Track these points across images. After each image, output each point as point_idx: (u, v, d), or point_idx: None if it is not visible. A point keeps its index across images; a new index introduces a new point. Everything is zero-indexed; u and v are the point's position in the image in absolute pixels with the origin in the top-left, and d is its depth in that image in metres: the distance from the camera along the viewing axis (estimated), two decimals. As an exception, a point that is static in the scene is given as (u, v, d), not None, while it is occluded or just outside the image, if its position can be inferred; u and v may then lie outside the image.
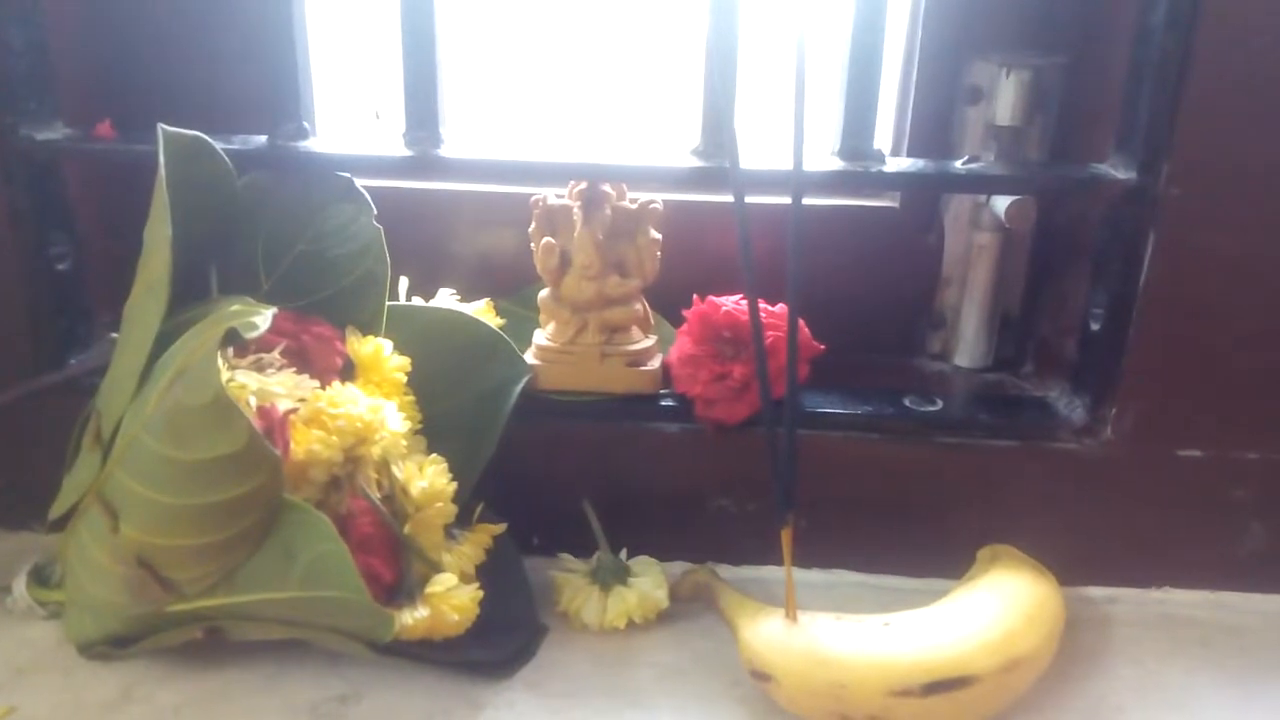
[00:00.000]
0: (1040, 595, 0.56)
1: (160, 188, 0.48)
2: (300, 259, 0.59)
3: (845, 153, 0.58)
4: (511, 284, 0.70)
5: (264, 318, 0.44)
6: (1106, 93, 0.62)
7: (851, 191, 0.70)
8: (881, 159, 0.58)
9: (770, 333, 0.60)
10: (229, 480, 0.44)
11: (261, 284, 0.59)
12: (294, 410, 0.49)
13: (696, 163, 0.57)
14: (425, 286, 0.65)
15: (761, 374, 0.52)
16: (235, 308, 0.46)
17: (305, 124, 0.59)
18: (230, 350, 0.50)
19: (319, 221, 0.59)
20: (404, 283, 0.64)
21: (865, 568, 0.65)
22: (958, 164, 0.59)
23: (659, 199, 0.61)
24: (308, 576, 0.48)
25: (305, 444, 0.49)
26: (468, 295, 0.65)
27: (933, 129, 0.67)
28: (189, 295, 0.51)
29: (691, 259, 0.67)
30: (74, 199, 0.64)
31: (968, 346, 0.70)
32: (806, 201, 0.69)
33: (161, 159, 0.49)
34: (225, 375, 0.48)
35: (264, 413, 0.48)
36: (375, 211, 0.60)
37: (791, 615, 0.54)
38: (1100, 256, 0.61)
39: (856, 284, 0.70)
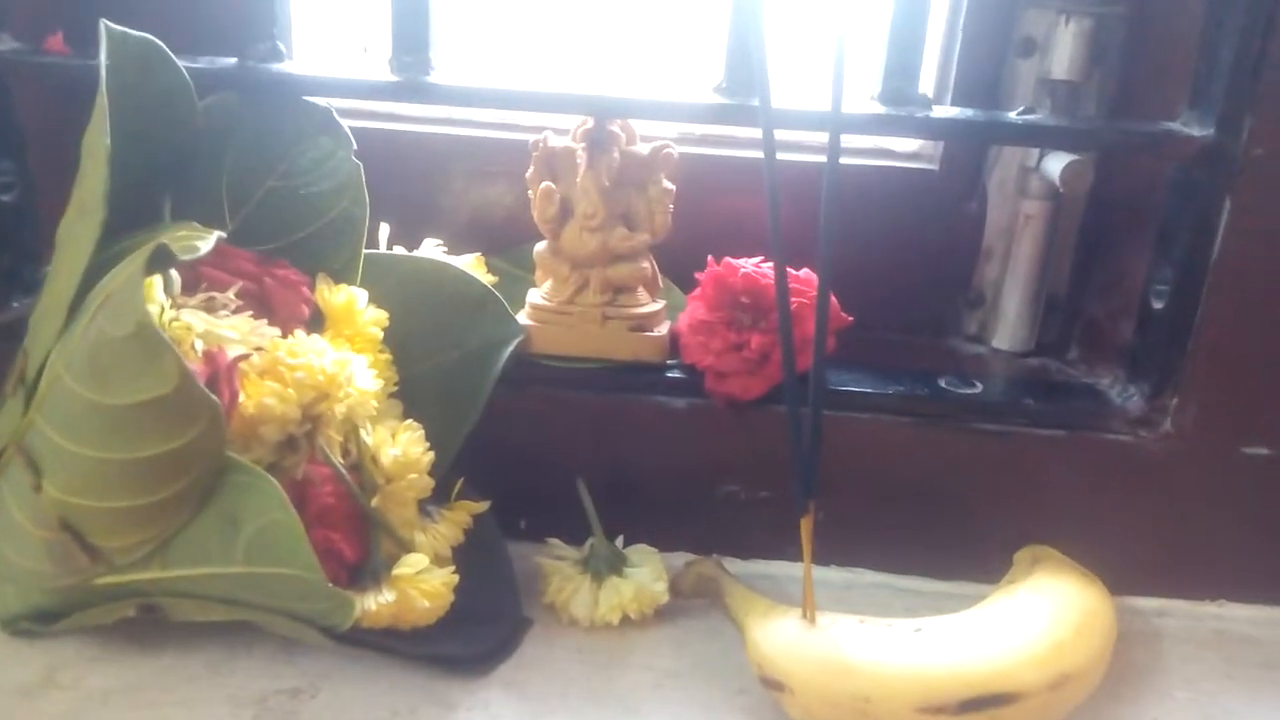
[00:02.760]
0: (1090, 604, 0.49)
1: (101, 93, 0.41)
2: (270, 196, 0.53)
3: (887, 96, 0.51)
4: (505, 241, 0.63)
5: (207, 240, 0.37)
6: (1175, 43, 0.55)
7: (884, 154, 0.64)
8: (927, 104, 0.51)
9: (795, 299, 0.53)
10: (159, 431, 0.38)
11: (225, 223, 0.53)
12: (244, 357, 0.42)
13: (719, 99, 0.51)
14: (409, 238, 0.59)
15: (786, 343, 0.46)
16: (180, 232, 0.40)
17: (280, 44, 0.53)
18: (176, 287, 0.44)
19: (292, 155, 0.54)
20: (385, 230, 0.57)
21: (888, 566, 0.58)
22: (1012, 114, 0.53)
23: (674, 146, 0.55)
24: (253, 549, 0.41)
25: (257, 397, 0.43)
26: (456, 249, 0.59)
27: (980, 83, 0.61)
28: (134, 221, 0.45)
29: (704, 218, 0.61)
30: (23, 124, 0.58)
31: (1008, 327, 0.64)
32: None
33: (103, 59, 0.42)
34: (168, 314, 0.42)
35: (210, 358, 0.41)
36: (355, 147, 0.53)
37: (810, 616, 0.47)
38: (1166, 226, 0.55)
39: (888, 254, 0.63)
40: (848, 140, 0.63)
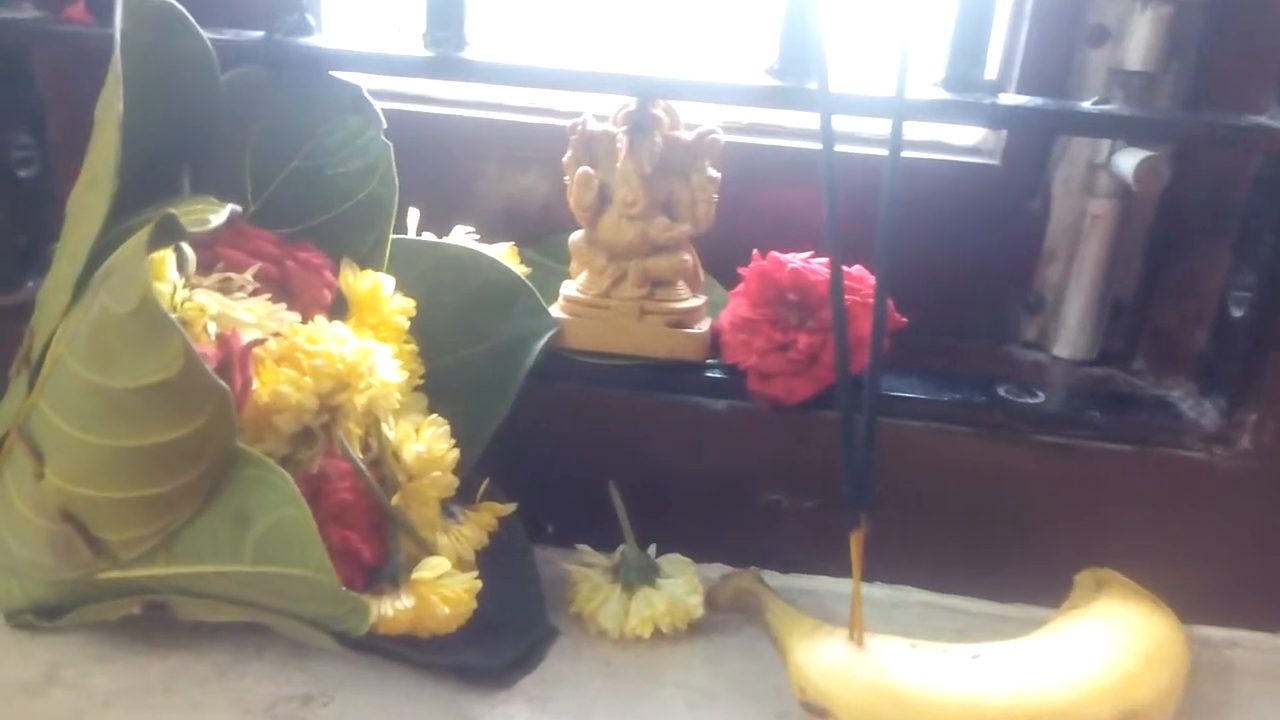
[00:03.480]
0: (1161, 634, 0.46)
1: (115, 57, 0.39)
2: (294, 176, 0.51)
3: (952, 81, 0.48)
4: (539, 232, 0.61)
5: (220, 214, 0.35)
6: (1260, 34, 0.51)
7: (942, 148, 0.60)
8: (994, 89, 0.48)
9: (850, 296, 0.50)
10: (164, 418, 0.35)
11: (248, 203, 0.50)
12: (259, 342, 0.40)
13: (771, 82, 0.47)
14: (439, 225, 0.56)
15: (840, 344, 0.42)
16: (195, 206, 0.37)
17: (308, 17, 0.50)
18: (191, 266, 0.41)
19: (319, 134, 0.51)
20: (414, 215, 0.54)
21: (938, 585, 0.55)
22: (1086, 104, 0.49)
23: (720, 131, 0.52)
24: (263, 547, 0.38)
25: (272, 384, 0.40)
26: (488, 239, 0.56)
27: (1046, 74, 0.57)
28: (149, 196, 0.42)
29: (747, 211, 0.58)
30: (43, 96, 0.56)
31: (1070, 334, 0.60)
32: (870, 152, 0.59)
33: (119, 21, 0.40)
34: (180, 293, 0.39)
35: (223, 341, 0.39)
36: (385, 126, 0.51)
37: (858, 638, 0.44)
38: (1249, 228, 0.51)
39: (944, 254, 0.60)
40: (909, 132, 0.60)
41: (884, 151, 0.58)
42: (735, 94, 0.48)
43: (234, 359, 0.38)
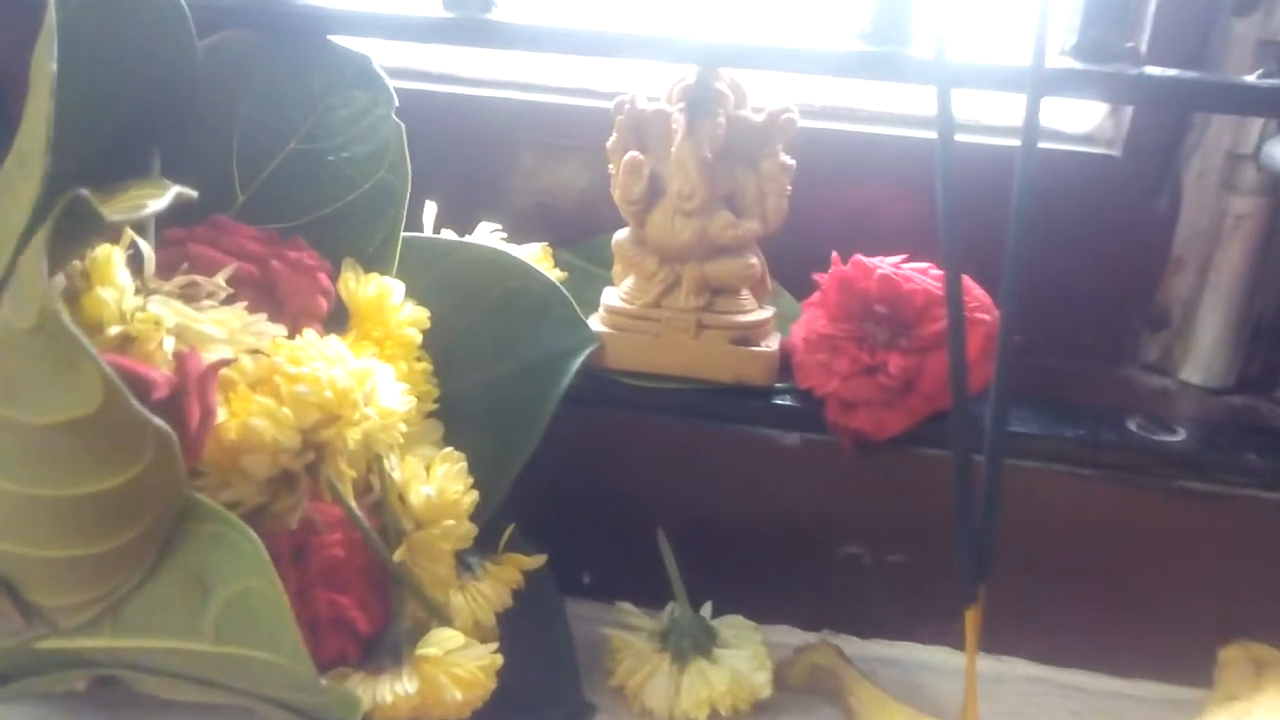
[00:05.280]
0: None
1: (49, 3, 0.31)
2: (290, 161, 0.43)
3: (1084, 50, 0.39)
4: (576, 232, 0.52)
5: (160, 197, 0.27)
6: None
7: (1049, 134, 0.51)
8: (1136, 58, 0.39)
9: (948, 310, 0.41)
10: (91, 463, 0.27)
11: (235, 193, 0.42)
12: (227, 363, 0.32)
13: (866, 48, 0.39)
14: (459, 223, 0.48)
15: (957, 367, 0.33)
16: (136, 190, 0.29)
17: (307, -28, 0.42)
18: (149, 267, 0.33)
19: (319, 111, 0.44)
20: (431, 210, 0.46)
21: (1050, 657, 0.46)
22: (1250, 78, 0.40)
23: (795, 111, 0.43)
24: (225, 623, 0.30)
25: (243, 416, 0.32)
26: (517, 238, 0.48)
27: (1183, 46, 0.48)
28: (105, 180, 0.34)
29: (819, 208, 0.49)
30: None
31: (1202, 356, 0.50)
32: (989, 141, 0.51)
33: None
34: (129, 301, 0.32)
35: (181, 362, 0.31)
36: (396, 103, 0.43)
37: (973, 739, 0.35)
38: None
39: (1051, 260, 0.51)
40: (999, 115, 0.51)
41: (978, 139, 0.51)
42: (820, 62, 0.39)
43: (191, 385, 0.30)
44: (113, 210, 0.26)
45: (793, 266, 0.47)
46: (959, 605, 0.35)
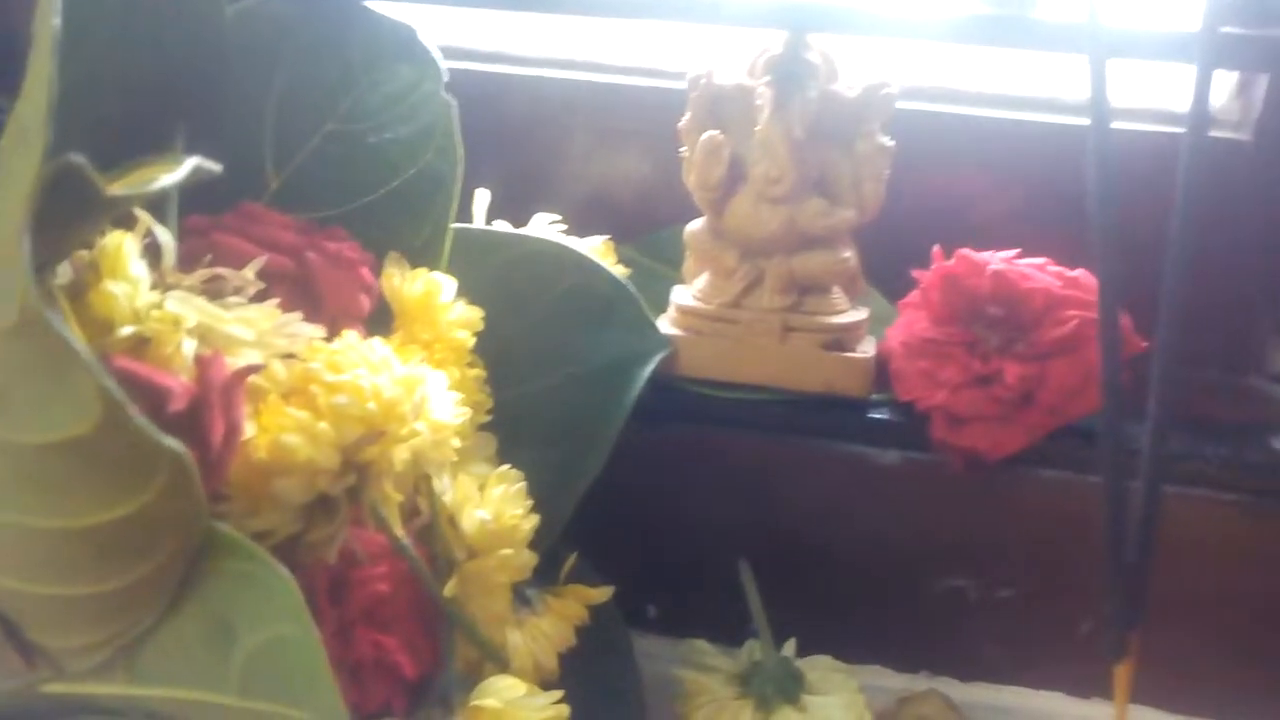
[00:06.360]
0: None
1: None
2: (328, 143, 0.39)
3: (1251, 12, 0.33)
4: (636, 226, 0.48)
5: (173, 171, 0.22)
6: None
7: (1167, 117, 0.46)
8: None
9: (1076, 311, 0.36)
10: (94, 489, 0.23)
11: (266, 178, 0.38)
12: (256, 369, 0.27)
13: (992, 10, 0.34)
14: (511, 214, 0.43)
15: (1111, 374, 0.28)
16: (156, 163, 0.25)
17: (348, -67, 0.38)
18: (170, 258, 0.29)
19: (361, 88, 0.39)
20: (483, 198, 0.42)
21: (1192, 708, 0.40)
22: None
23: (893, 86, 0.38)
24: (252, 674, 0.26)
25: (274, 431, 0.27)
26: (574, 232, 0.43)
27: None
28: (118, 159, 0.30)
29: (909, 198, 0.44)
30: (25, 48, 0.44)
31: (1343, 365, 0.45)
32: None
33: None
34: (144, 298, 0.27)
35: (203, 368, 0.26)
36: (446, 78, 0.38)
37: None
38: None
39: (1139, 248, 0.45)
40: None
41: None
42: (933, 27, 0.34)
43: (213, 395, 0.25)
44: (117, 185, 0.21)
45: (876, 262, 0.42)
46: (1108, 657, 0.30)
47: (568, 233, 0.43)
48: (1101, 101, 0.29)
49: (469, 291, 0.38)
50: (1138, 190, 0.34)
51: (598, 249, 0.43)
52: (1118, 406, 0.29)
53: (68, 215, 0.20)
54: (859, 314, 0.40)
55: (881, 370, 0.40)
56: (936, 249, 0.39)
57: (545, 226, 0.43)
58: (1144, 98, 0.46)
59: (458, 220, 0.39)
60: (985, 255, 0.38)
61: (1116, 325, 0.29)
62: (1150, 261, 0.33)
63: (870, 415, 0.39)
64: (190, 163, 0.22)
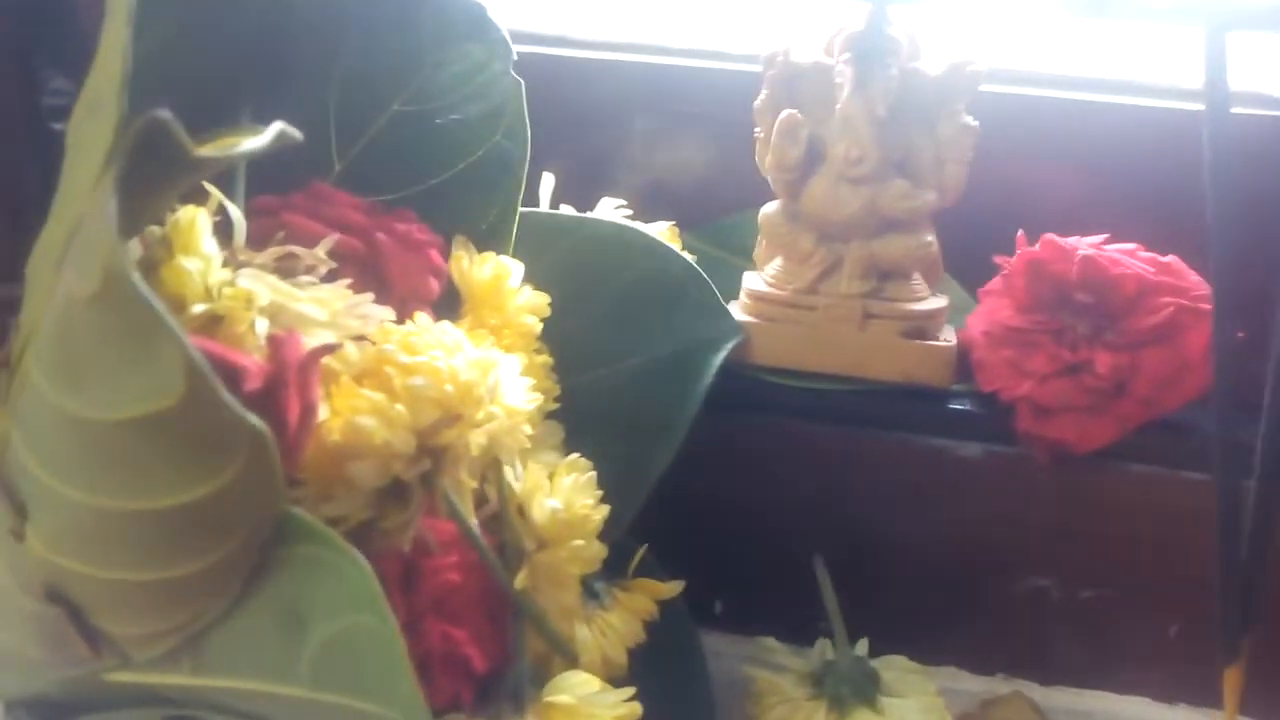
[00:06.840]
0: None
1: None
2: (394, 124, 0.38)
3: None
4: (699, 214, 0.47)
5: (258, 136, 0.21)
6: None
7: (1266, 101, 0.44)
8: None
9: (1170, 298, 0.34)
10: (170, 467, 0.22)
11: (332, 159, 0.37)
12: (331, 349, 0.26)
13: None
14: (575, 198, 0.42)
15: (1223, 366, 0.27)
16: (233, 134, 0.24)
17: (416, -92, 0.37)
18: (240, 235, 0.28)
19: (428, 68, 0.38)
20: (549, 181, 0.41)
21: None
22: None
23: (979, 63, 0.37)
24: (325, 665, 0.25)
25: (349, 414, 0.27)
26: (639, 218, 0.42)
27: None
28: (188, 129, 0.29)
29: (993, 185, 0.42)
30: (86, 30, 0.44)
31: None
32: (1186, 107, 0.43)
33: None
34: (216, 275, 0.26)
35: (276, 347, 0.25)
36: (515, 57, 0.37)
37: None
38: None
39: (1260, 247, 0.43)
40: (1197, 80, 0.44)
41: (1165, 104, 0.44)
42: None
43: (289, 375, 0.24)
44: (211, 149, 0.20)
45: (951, 249, 0.40)
46: (1219, 662, 0.28)
47: (631, 219, 0.42)
48: (1219, 80, 0.27)
49: (535, 276, 0.36)
50: (1250, 176, 0.32)
51: (664, 235, 0.41)
52: (1230, 399, 0.27)
53: (154, 176, 0.20)
54: (939, 301, 0.38)
55: (962, 360, 0.38)
56: (1020, 234, 0.38)
57: (612, 211, 0.42)
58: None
59: (525, 204, 0.38)
60: (1072, 240, 0.37)
61: (1229, 315, 0.28)
62: (1259, 252, 0.31)
63: (951, 406, 0.38)
64: (275, 128, 0.22)
